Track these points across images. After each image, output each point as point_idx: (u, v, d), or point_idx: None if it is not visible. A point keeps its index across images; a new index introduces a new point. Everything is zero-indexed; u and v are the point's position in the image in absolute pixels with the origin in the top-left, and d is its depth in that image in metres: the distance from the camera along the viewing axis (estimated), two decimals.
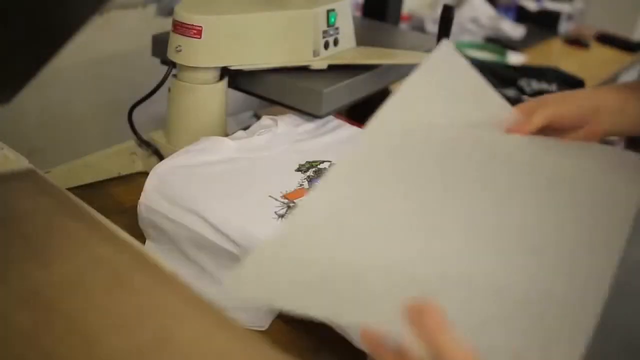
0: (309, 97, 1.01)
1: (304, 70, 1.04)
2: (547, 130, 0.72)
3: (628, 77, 2.71)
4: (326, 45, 1.07)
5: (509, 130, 0.70)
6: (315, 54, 1.05)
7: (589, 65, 2.39)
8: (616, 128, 0.74)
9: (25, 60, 0.54)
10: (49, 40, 0.52)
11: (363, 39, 1.19)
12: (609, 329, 0.67)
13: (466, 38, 2.24)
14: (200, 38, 0.96)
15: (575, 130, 0.73)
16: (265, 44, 1.02)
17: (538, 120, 0.71)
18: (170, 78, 1.01)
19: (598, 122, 0.73)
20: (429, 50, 0.88)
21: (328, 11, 1.06)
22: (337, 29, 1.09)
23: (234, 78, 1.04)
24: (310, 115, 1.03)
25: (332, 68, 1.06)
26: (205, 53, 0.97)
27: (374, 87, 1.13)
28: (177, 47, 0.97)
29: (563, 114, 0.73)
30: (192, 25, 0.95)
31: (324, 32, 1.06)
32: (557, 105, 0.73)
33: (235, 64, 1.01)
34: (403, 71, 1.14)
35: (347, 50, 1.13)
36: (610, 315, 0.63)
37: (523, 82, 2.02)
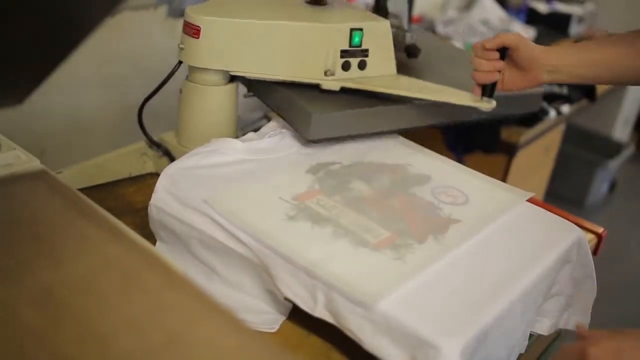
0: (300, 117, 0.96)
1: (315, 88, 0.99)
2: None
3: None
4: (346, 67, 1.01)
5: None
6: (329, 73, 1.00)
7: None
8: (555, 80, 0.96)
9: (38, 62, 0.54)
10: (61, 41, 0.52)
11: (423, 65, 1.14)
12: (619, 326, 0.67)
13: (477, 40, 2.23)
14: (198, 38, 0.96)
15: (522, 72, 0.96)
16: (270, 54, 0.98)
17: (499, 38, 0.93)
18: (182, 80, 1.01)
19: (539, 72, 0.95)
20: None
21: (352, 30, 1.00)
22: (364, 51, 1.02)
23: (248, 80, 1.04)
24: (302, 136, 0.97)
25: (353, 93, 0.99)
26: (204, 54, 0.97)
27: (395, 123, 1.03)
28: (180, 45, 0.98)
29: (519, 46, 0.93)
30: (193, 24, 0.96)
31: (345, 51, 1.00)
32: (518, 39, 0.93)
33: (237, 70, 0.99)
34: (437, 112, 1.04)
35: (379, 77, 1.04)
36: (621, 313, 0.63)
37: None
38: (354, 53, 1.01)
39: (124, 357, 0.46)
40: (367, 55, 1.02)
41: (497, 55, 0.94)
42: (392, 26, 1.07)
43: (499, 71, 0.96)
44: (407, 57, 1.14)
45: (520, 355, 0.80)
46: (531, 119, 1.86)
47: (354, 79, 1.01)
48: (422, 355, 0.66)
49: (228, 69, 0.99)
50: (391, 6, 1.13)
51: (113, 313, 0.49)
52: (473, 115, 1.03)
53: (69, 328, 0.47)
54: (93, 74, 1.22)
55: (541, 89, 1.12)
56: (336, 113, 0.96)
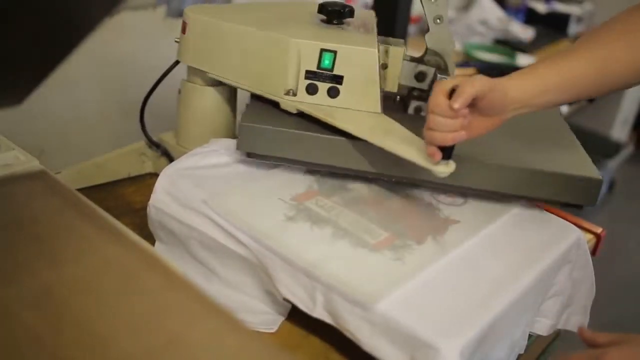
0: (240, 126, 0.88)
1: (276, 104, 0.91)
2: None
3: None
4: (311, 90, 0.89)
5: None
6: (291, 93, 0.89)
7: None
8: (519, 113, 0.81)
9: (37, 62, 0.54)
10: (60, 41, 0.52)
11: None
12: (619, 326, 0.67)
13: (476, 40, 2.24)
14: (184, 34, 0.96)
15: (487, 116, 0.80)
16: (237, 61, 0.93)
17: (468, 93, 0.75)
18: (181, 80, 1.01)
19: (504, 113, 0.80)
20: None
21: (323, 50, 0.88)
22: (338, 77, 0.88)
23: None
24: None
25: (319, 122, 0.87)
26: (188, 50, 0.97)
27: (342, 162, 0.88)
28: (176, 39, 0.99)
29: (486, 94, 0.77)
30: (184, 20, 0.96)
31: (311, 73, 0.88)
32: (485, 85, 0.77)
33: (212, 72, 0.96)
34: (392, 163, 0.85)
35: (352, 110, 0.89)
36: (620, 313, 0.64)
37: None
38: (323, 77, 0.88)
39: (124, 358, 0.46)
40: (340, 83, 0.88)
41: (466, 110, 0.76)
42: (429, 64, 0.97)
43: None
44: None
45: (520, 355, 0.81)
46: None
47: (319, 105, 0.89)
48: (421, 356, 0.66)
49: (205, 70, 0.97)
50: (432, 43, 0.96)
51: (112, 314, 0.49)
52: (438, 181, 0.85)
53: (68, 329, 0.47)
54: (92, 74, 1.22)
55: (600, 177, 0.87)
56: (267, 128, 0.86)
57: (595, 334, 0.71)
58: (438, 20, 0.94)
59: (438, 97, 0.76)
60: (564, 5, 2.61)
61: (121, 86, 1.28)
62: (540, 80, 0.80)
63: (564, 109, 1.97)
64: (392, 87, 0.99)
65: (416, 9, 2.02)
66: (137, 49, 1.29)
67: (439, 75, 0.95)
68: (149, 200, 0.86)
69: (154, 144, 1.06)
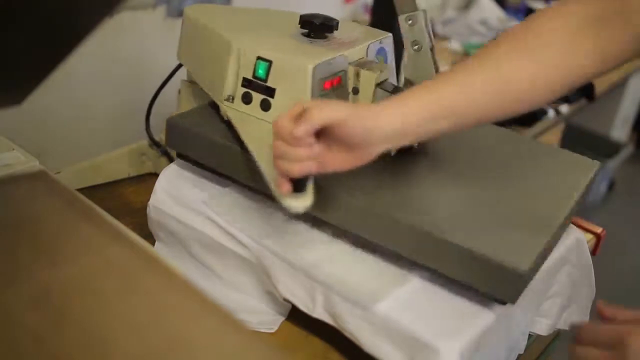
0: (166, 121, 0.86)
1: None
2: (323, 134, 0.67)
3: (637, 79, 2.70)
4: (247, 99, 0.83)
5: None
6: (230, 99, 0.84)
7: None
8: (394, 146, 0.71)
9: (38, 62, 0.54)
10: (61, 41, 0.52)
11: None
12: None
13: (475, 40, 2.23)
14: (180, 33, 0.96)
15: (350, 148, 0.67)
16: (200, 61, 0.92)
17: (316, 119, 0.65)
18: (180, 81, 1.01)
19: (375, 146, 0.68)
20: None
21: (258, 58, 0.82)
22: (271, 90, 0.81)
23: None
24: None
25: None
26: (180, 48, 0.97)
27: (249, 176, 0.80)
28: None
29: (346, 122, 0.65)
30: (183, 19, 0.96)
31: (246, 80, 0.82)
32: (343, 113, 0.66)
33: (191, 72, 0.96)
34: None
35: (267, 125, 0.79)
36: None
37: None
38: (257, 87, 0.82)
39: (124, 358, 0.46)
40: (272, 96, 0.81)
41: (311, 139, 0.66)
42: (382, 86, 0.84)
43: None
44: None
45: (519, 355, 0.80)
46: (530, 119, 1.86)
47: (250, 117, 0.83)
48: (420, 357, 0.66)
49: (188, 68, 0.97)
50: (409, 72, 0.86)
51: (113, 314, 0.49)
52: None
53: (69, 330, 0.47)
54: (92, 74, 1.22)
55: (522, 271, 0.67)
56: (190, 130, 0.83)
57: (617, 310, 0.64)
58: (416, 47, 0.85)
59: (282, 121, 0.66)
60: None
61: (121, 86, 1.28)
62: (418, 108, 0.67)
63: (564, 109, 1.97)
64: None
65: None
66: (137, 49, 1.29)
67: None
68: (149, 200, 0.86)
69: (155, 144, 1.06)
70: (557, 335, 1.00)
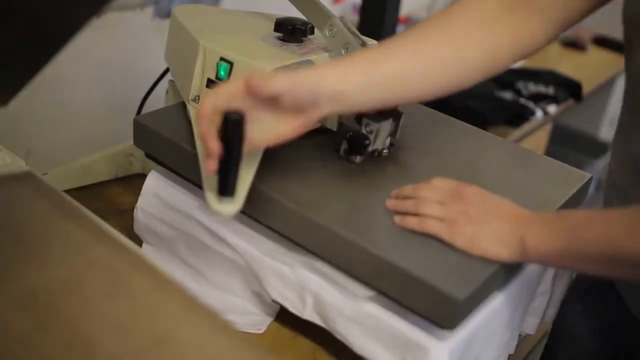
0: (133, 120, 0.85)
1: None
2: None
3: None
4: None
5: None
6: (196, 99, 0.83)
7: (585, 67, 2.39)
8: (336, 111, 0.71)
9: (24, 63, 0.54)
10: (47, 42, 0.52)
11: None
12: None
13: None
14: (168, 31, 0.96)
15: (293, 114, 0.68)
16: (176, 62, 0.91)
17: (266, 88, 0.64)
18: (168, 82, 1.01)
19: (317, 108, 0.68)
20: None
21: (221, 59, 0.81)
22: None
23: None
24: None
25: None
26: (167, 47, 0.97)
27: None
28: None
29: (286, 96, 0.66)
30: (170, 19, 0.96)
31: (210, 81, 0.82)
32: (282, 81, 0.66)
33: (170, 71, 0.95)
34: None
35: None
36: None
37: (520, 85, 2.03)
38: None
39: (110, 358, 0.46)
40: None
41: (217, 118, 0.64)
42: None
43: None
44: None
45: (510, 355, 0.81)
46: (518, 119, 1.87)
47: None
48: (411, 357, 0.66)
49: (170, 68, 0.96)
50: None
51: (99, 315, 0.49)
52: None
53: (55, 331, 0.47)
54: (79, 74, 1.21)
55: (460, 300, 0.63)
56: (154, 129, 0.82)
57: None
58: (346, 49, 0.84)
59: (205, 108, 0.65)
60: None
61: (108, 87, 1.28)
62: (364, 72, 0.69)
63: (552, 109, 1.98)
64: (331, 125, 0.85)
65: (404, 9, 2.03)
66: (124, 49, 1.28)
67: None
68: (136, 201, 0.86)
69: None
70: (545, 333, 1.00)
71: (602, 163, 2.82)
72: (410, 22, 2.25)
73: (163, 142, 0.82)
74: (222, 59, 0.80)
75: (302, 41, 0.87)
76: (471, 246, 0.68)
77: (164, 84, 1.01)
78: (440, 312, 0.64)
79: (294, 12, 0.89)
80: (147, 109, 1.02)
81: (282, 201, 0.73)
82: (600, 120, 2.98)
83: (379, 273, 0.67)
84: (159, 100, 1.02)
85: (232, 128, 0.62)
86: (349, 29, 0.84)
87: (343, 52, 0.84)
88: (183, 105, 0.87)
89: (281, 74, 0.67)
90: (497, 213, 0.70)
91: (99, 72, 1.25)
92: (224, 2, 1.46)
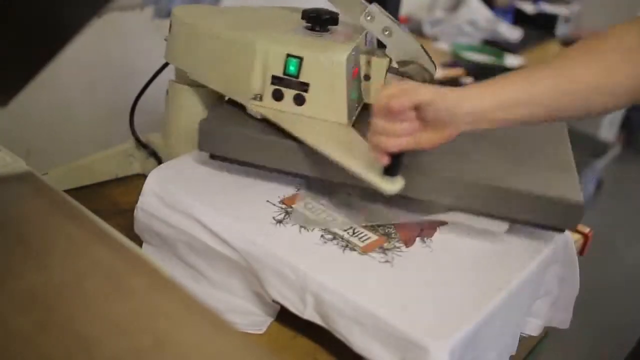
0: (199, 127, 0.87)
1: (244, 108, 0.90)
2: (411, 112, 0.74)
3: None
4: (278, 96, 0.86)
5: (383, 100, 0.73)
6: (258, 98, 0.87)
7: None
8: (474, 129, 0.76)
9: (24, 62, 0.54)
10: (47, 42, 0.52)
11: None
12: (606, 325, 0.68)
13: (464, 40, 2.24)
14: (169, 33, 0.96)
15: (436, 128, 0.75)
16: (210, 64, 0.92)
17: (412, 97, 0.72)
18: (168, 81, 1.01)
19: (456, 126, 0.75)
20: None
21: (289, 56, 0.85)
22: (304, 85, 0.85)
23: None
24: None
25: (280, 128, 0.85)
26: (171, 49, 0.97)
27: (298, 167, 0.85)
28: (165, 38, 0.98)
29: (434, 100, 0.73)
30: (171, 20, 0.96)
31: (277, 78, 0.85)
32: (432, 93, 0.73)
33: (191, 73, 0.95)
34: (340, 172, 0.79)
35: (319, 120, 0.86)
36: (607, 312, 0.64)
37: None
38: (289, 83, 0.85)
39: (110, 359, 0.46)
40: (306, 91, 0.85)
41: (412, 114, 0.73)
42: (413, 74, 0.91)
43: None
44: None
45: (511, 357, 0.81)
46: None
47: (285, 113, 0.86)
48: (411, 357, 0.66)
49: (186, 70, 0.96)
50: (396, 55, 0.92)
51: (99, 315, 0.49)
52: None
53: (55, 331, 0.47)
54: (79, 74, 1.21)
55: (581, 200, 0.80)
56: (226, 130, 0.86)
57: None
58: (387, 32, 0.89)
59: (381, 100, 0.73)
60: (551, 6, 2.63)
61: (109, 87, 1.28)
62: (499, 93, 0.74)
63: None
64: (374, 100, 0.89)
65: (404, 9, 2.03)
66: (124, 49, 1.28)
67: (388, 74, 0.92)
68: (136, 201, 0.86)
69: (142, 145, 1.06)
70: (545, 334, 1.00)
71: (602, 163, 2.82)
72: (411, 22, 2.25)
73: (237, 139, 0.86)
74: (289, 55, 0.84)
75: (329, 30, 0.93)
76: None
77: (161, 84, 1.01)
78: (565, 218, 0.80)
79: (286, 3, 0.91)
80: (145, 108, 1.02)
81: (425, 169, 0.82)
82: (600, 120, 2.99)
83: (507, 203, 0.80)
84: (155, 100, 1.01)
85: None
86: (384, 13, 0.89)
87: (385, 34, 0.89)
88: (228, 103, 0.91)
89: (426, 87, 0.74)
90: None
91: (99, 72, 1.25)
92: (223, 1, 1.46)
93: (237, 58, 0.88)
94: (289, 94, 0.86)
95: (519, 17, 2.56)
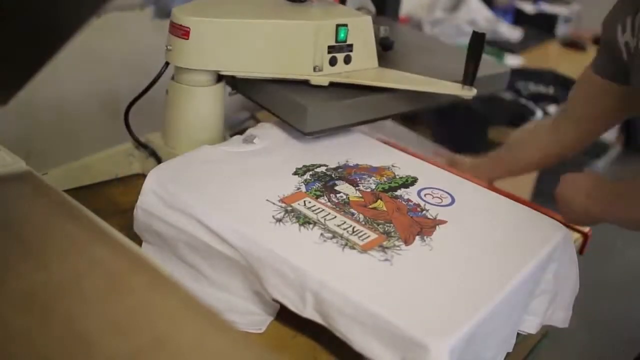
0: (295, 111, 0.96)
1: (304, 83, 0.99)
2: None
3: None
4: (333, 62, 1.01)
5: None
6: (317, 69, 1.00)
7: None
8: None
9: (23, 62, 0.54)
10: (47, 41, 0.52)
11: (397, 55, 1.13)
12: (606, 324, 0.68)
13: (463, 40, 2.24)
14: (187, 39, 0.96)
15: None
16: (260, 53, 0.98)
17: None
18: (168, 80, 1.01)
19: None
20: (457, 80, 0.98)
21: (338, 26, 1.00)
22: (349, 46, 1.02)
23: (233, 79, 1.03)
24: (298, 130, 0.98)
25: (341, 86, 1.00)
26: (193, 55, 0.97)
27: (383, 111, 1.06)
28: (167, 46, 0.97)
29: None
30: (181, 26, 0.95)
31: (331, 47, 1.00)
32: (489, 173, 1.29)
33: (227, 70, 0.99)
34: (421, 98, 1.04)
35: (362, 70, 1.04)
36: (607, 311, 0.65)
37: (520, 85, 2.03)
38: (340, 49, 1.01)
39: (109, 358, 0.46)
40: (351, 50, 1.02)
41: None
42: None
43: None
44: (382, 50, 1.12)
45: (508, 354, 0.81)
46: (518, 119, 1.87)
47: (340, 73, 1.02)
48: (411, 356, 0.66)
49: (218, 69, 0.99)
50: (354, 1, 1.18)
51: (98, 315, 0.49)
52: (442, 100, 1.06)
53: (54, 331, 0.47)
54: (79, 74, 1.21)
55: (508, 68, 1.21)
56: (330, 105, 0.98)
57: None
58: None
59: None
60: (551, 6, 2.63)
61: (108, 87, 1.28)
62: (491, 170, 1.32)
63: (552, 109, 1.98)
64: None
65: (404, 9, 2.02)
66: (124, 49, 1.28)
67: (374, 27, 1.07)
68: (136, 201, 0.86)
69: (141, 145, 1.06)
70: (545, 334, 1.00)
71: (602, 163, 2.82)
72: (411, 22, 2.25)
73: (334, 110, 0.99)
74: (338, 25, 1.00)
75: (305, 1, 1.08)
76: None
77: (161, 84, 1.01)
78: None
79: None
80: (145, 108, 1.02)
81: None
82: None
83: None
84: (155, 100, 1.02)
85: (477, 37, 0.95)
86: None
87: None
88: (293, 84, 1.00)
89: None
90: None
91: (99, 72, 1.25)
92: None
93: (294, 40, 0.99)
94: (340, 57, 1.01)
95: (519, 17, 2.56)
